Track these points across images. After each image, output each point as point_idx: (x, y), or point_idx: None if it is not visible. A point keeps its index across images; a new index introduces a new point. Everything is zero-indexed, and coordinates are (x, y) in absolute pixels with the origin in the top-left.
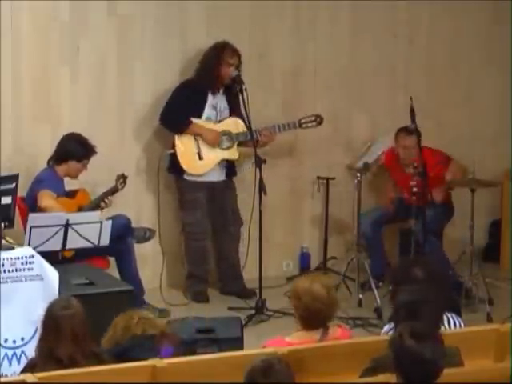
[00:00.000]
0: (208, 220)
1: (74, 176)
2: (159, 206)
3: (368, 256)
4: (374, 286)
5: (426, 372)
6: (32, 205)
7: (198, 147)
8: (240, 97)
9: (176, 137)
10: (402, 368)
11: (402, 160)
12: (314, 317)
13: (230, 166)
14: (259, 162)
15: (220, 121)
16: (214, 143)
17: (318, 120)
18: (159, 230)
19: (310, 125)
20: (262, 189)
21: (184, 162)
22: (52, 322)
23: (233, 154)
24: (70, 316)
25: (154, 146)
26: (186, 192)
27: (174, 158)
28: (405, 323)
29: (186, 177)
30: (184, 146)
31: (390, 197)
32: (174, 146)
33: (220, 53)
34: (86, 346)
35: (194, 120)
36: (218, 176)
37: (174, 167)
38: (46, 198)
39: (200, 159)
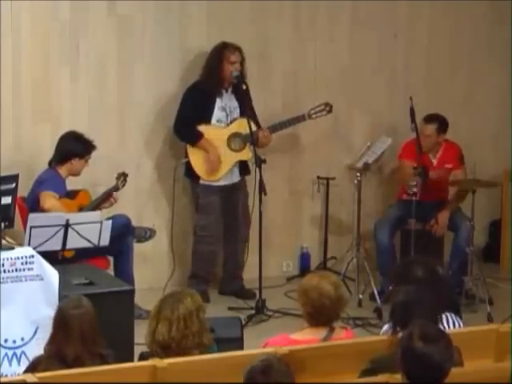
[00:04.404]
0: (220, 222)
1: (78, 173)
2: (173, 210)
3: (377, 266)
4: (379, 300)
5: (432, 374)
6: (33, 206)
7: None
8: (245, 96)
9: (188, 146)
10: (407, 368)
11: (423, 148)
12: (320, 313)
13: (243, 165)
14: (259, 162)
15: (230, 122)
16: (213, 169)
17: (328, 108)
18: (171, 232)
19: (319, 114)
20: (261, 189)
21: (199, 170)
22: (62, 321)
23: (245, 154)
24: (80, 315)
25: (154, 145)
26: (201, 196)
27: (189, 165)
28: (416, 323)
29: (201, 181)
30: (197, 153)
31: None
32: (186, 154)
33: (221, 52)
34: (94, 347)
35: (203, 129)
36: (232, 178)
37: (190, 173)
38: (48, 199)
39: None
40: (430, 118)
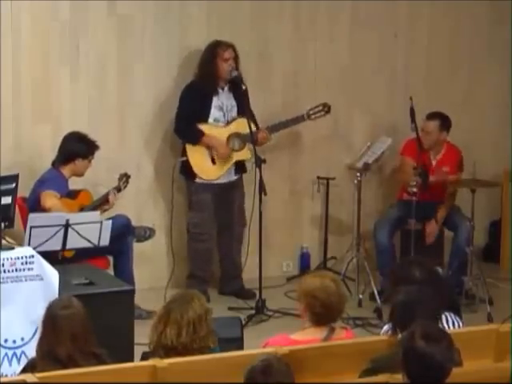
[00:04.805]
0: (214, 220)
1: (82, 173)
2: (172, 209)
3: (377, 266)
4: (378, 299)
5: (433, 374)
6: (33, 205)
7: (211, 152)
8: (244, 97)
9: (187, 144)
10: (409, 368)
11: (425, 145)
12: (328, 312)
13: (238, 164)
14: (259, 162)
15: (229, 122)
16: (225, 158)
17: (326, 109)
18: (171, 232)
19: (318, 115)
20: (261, 189)
21: (198, 169)
22: (51, 322)
23: (245, 154)
24: (69, 316)
25: (154, 145)
26: (195, 193)
27: (186, 163)
28: (418, 323)
29: (197, 180)
30: (196, 152)
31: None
32: (184, 153)
33: (214, 50)
34: (86, 346)
35: (205, 128)
36: (229, 177)
37: (186, 171)
38: (50, 198)
39: (214, 163)
40: (433, 115)
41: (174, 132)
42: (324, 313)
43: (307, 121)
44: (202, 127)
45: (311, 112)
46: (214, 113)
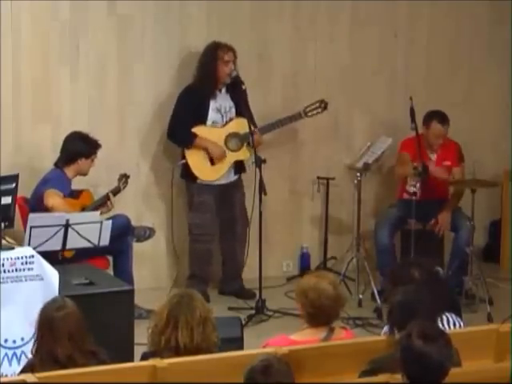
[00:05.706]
0: (216, 221)
1: (86, 173)
2: (172, 211)
3: (377, 266)
4: (378, 299)
5: (432, 373)
6: (35, 205)
7: (209, 153)
8: (242, 96)
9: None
10: (407, 368)
11: (429, 145)
12: (320, 313)
13: (237, 164)
14: (259, 162)
15: (226, 123)
16: (221, 158)
17: (323, 105)
18: (172, 232)
19: (315, 112)
20: (261, 189)
21: (197, 171)
22: (47, 324)
23: (243, 154)
24: (64, 316)
25: (153, 145)
26: (196, 194)
27: (186, 166)
28: (415, 323)
29: (198, 181)
30: (194, 155)
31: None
32: (183, 156)
33: (214, 52)
34: (84, 345)
35: (199, 130)
36: (229, 177)
37: (187, 174)
38: (52, 197)
39: (213, 164)
40: (445, 119)
41: (168, 137)
42: (316, 313)
43: (304, 118)
44: (199, 129)
45: (308, 109)
46: (212, 115)
